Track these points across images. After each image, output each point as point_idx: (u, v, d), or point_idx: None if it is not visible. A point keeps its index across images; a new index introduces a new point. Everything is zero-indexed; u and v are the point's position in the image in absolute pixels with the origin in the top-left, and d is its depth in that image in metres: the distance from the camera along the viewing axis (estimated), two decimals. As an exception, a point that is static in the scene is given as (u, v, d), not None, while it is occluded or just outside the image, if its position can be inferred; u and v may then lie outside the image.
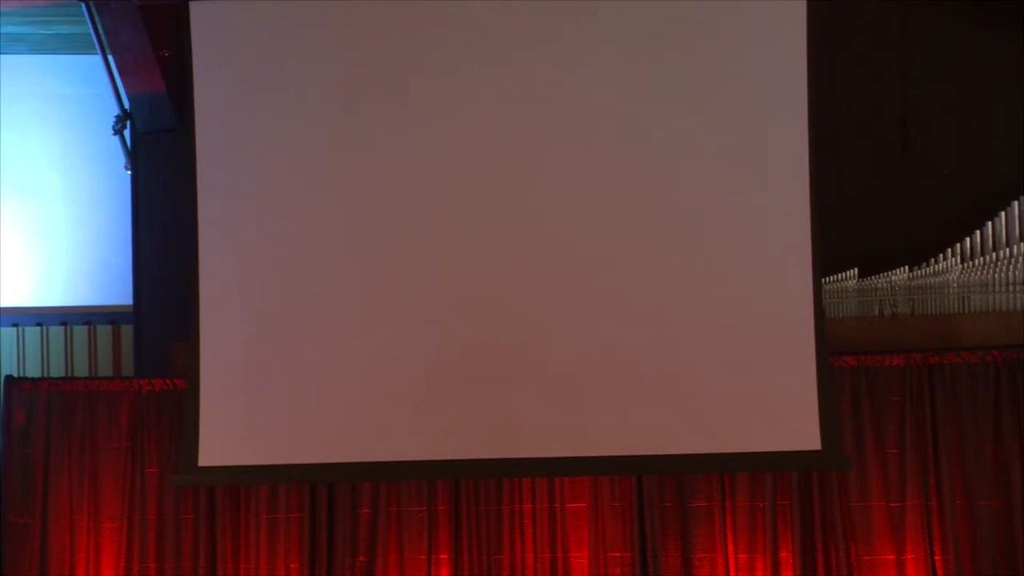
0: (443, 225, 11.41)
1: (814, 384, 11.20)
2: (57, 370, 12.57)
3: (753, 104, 11.28)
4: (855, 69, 12.34)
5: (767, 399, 11.23)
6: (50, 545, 11.93)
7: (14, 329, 12.64)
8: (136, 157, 12.64)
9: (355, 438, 11.42)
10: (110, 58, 12.09)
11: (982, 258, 11.83)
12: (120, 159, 12.67)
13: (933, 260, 11.90)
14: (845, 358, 11.63)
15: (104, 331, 12.72)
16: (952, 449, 11.59)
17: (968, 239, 11.89)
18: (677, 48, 11.32)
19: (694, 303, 11.28)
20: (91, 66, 12.62)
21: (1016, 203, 11.85)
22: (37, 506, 11.96)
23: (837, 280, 11.92)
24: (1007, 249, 11.80)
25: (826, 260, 11.56)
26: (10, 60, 12.92)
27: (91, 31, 11.84)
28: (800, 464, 11.39)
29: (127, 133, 12.56)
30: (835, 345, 11.51)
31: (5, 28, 12.34)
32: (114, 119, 12.48)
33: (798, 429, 11.20)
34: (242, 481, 11.74)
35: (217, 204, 11.52)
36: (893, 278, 11.90)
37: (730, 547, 11.66)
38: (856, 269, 11.94)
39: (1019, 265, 11.73)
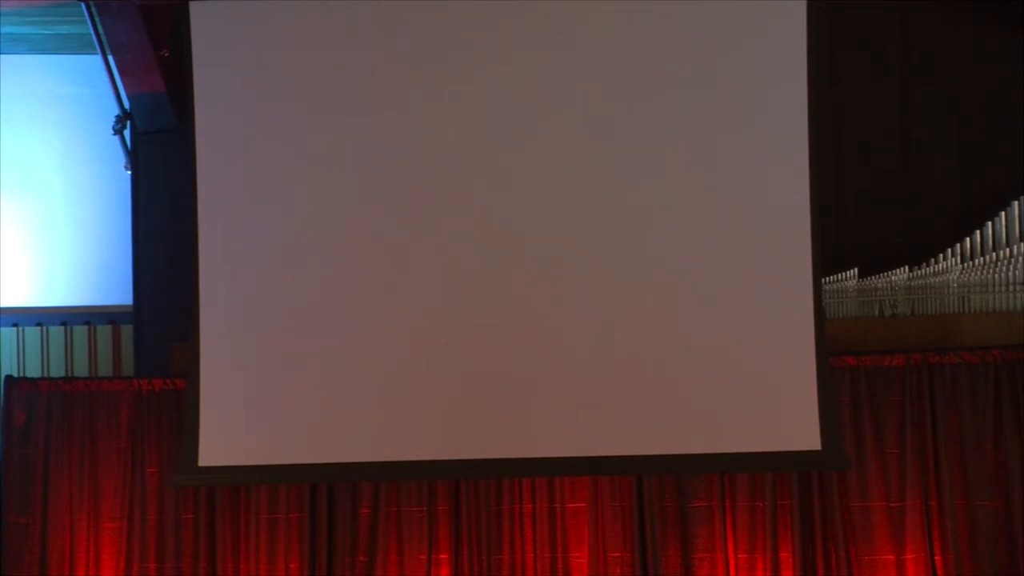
0: (443, 225, 11.40)
1: (814, 384, 11.20)
2: (57, 370, 12.56)
3: (753, 104, 11.28)
4: (855, 69, 12.34)
5: (767, 399, 11.22)
6: (50, 545, 11.93)
7: (14, 329, 12.63)
8: (136, 157, 12.64)
9: (355, 438, 11.42)
10: (110, 58, 12.08)
11: (982, 258, 11.83)
12: (120, 159, 12.67)
13: (933, 260, 11.89)
14: (845, 358, 11.63)
15: (104, 331, 12.71)
16: (952, 449, 11.59)
17: (968, 239, 11.89)
18: (677, 48, 11.32)
19: (694, 303, 11.27)
20: (91, 66, 12.62)
21: (1016, 203, 11.85)
22: (37, 506, 11.96)
23: (837, 280, 11.91)
24: (1007, 249, 11.79)
25: (826, 260, 11.57)
26: (10, 60, 12.92)
27: (91, 31, 11.84)
28: (800, 464, 11.39)
29: (127, 133, 12.56)
30: (835, 345, 11.51)
31: (5, 28, 12.33)
32: (114, 119, 12.47)
33: (798, 429, 11.20)
34: (242, 481, 11.74)
35: (217, 204, 11.52)
36: (893, 278, 11.89)
37: (730, 547, 11.65)
38: (856, 269, 11.93)
39: (1019, 265, 11.73)
